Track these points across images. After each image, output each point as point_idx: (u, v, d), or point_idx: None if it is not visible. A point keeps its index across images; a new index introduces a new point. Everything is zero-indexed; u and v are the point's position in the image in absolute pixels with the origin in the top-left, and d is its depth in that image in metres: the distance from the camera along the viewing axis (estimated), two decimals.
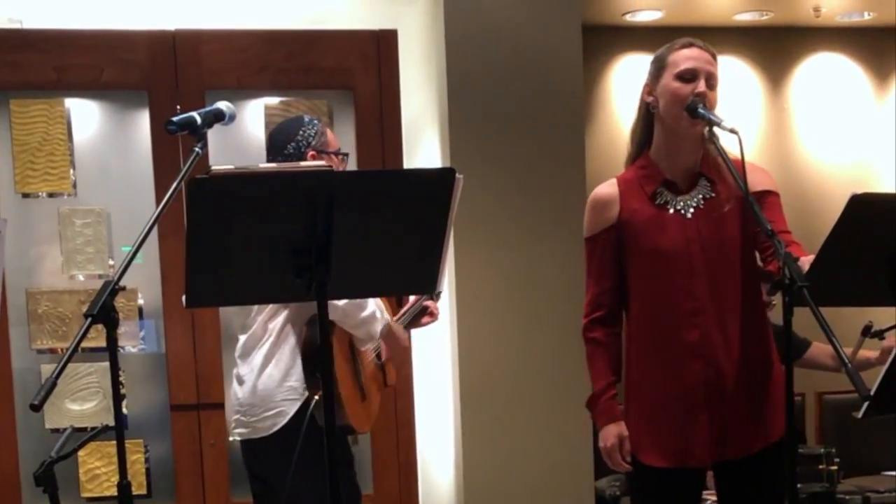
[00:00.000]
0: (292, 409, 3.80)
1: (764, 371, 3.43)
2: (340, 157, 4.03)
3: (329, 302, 3.66)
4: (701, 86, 3.30)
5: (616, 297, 3.49)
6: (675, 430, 3.41)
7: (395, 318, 4.09)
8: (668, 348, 3.39)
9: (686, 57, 3.35)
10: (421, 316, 4.24)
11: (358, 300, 3.73)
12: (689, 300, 3.37)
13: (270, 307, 3.87)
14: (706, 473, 3.52)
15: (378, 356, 4.11)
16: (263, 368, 3.88)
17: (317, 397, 3.67)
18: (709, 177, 3.41)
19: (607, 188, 3.50)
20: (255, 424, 3.87)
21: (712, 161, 3.40)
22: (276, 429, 3.79)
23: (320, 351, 3.66)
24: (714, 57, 3.39)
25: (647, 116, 3.46)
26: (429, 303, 4.24)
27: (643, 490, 3.53)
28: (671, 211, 3.39)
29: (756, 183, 3.31)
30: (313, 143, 3.93)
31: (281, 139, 3.96)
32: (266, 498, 4.00)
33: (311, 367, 3.76)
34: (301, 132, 3.94)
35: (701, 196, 3.40)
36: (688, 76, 3.32)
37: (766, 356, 3.45)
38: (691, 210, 3.39)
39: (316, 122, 4.01)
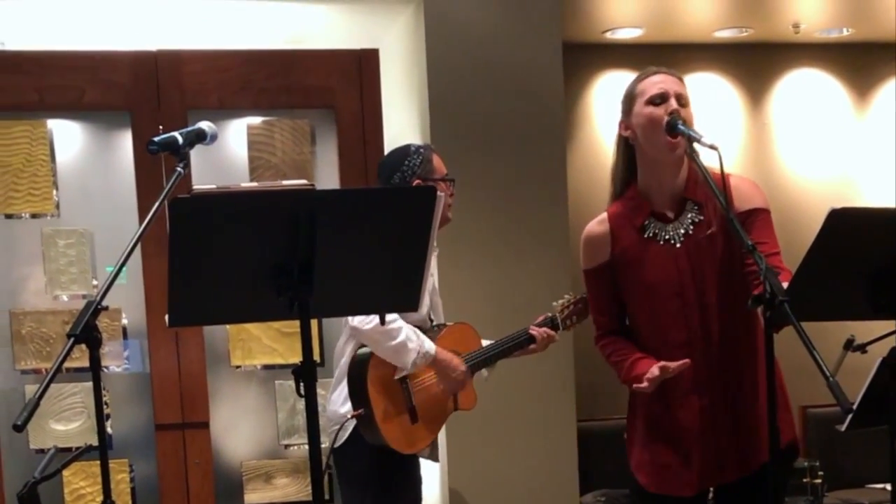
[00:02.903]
0: (352, 425, 3.94)
1: (754, 393, 3.40)
2: (447, 182, 4.11)
3: (353, 326, 3.83)
4: (672, 104, 3.32)
5: (623, 320, 3.54)
6: (671, 460, 3.43)
7: (471, 351, 4.15)
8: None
9: (653, 83, 3.38)
10: (525, 344, 4.20)
11: (388, 328, 3.81)
12: (683, 331, 3.38)
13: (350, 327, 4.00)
14: (707, 498, 3.52)
15: None
16: (336, 385, 4.06)
17: (349, 416, 3.85)
18: (695, 200, 3.39)
19: (598, 226, 3.51)
20: (331, 437, 4.04)
21: (697, 182, 3.39)
22: (339, 443, 3.94)
23: (350, 374, 3.94)
24: (681, 80, 3.42)
25: (627, 152, 3.47)
26: (535, 331, 4.19)
27: None
28: (661, 242, 3.39)
29: (745, 200, 3.33)
30: (419, 171, 4.05)
31: (387, 170, 4.10)
32: None
33: (350, 388, 3.93)
34: (406, 162, 4.06)
35: (689, 221, 3.39)
36: (658, 100, 3.35)
37: (754, 378, 3.41)
38: (681, 239, 3.38)
39: (422, 150, 4.12)
